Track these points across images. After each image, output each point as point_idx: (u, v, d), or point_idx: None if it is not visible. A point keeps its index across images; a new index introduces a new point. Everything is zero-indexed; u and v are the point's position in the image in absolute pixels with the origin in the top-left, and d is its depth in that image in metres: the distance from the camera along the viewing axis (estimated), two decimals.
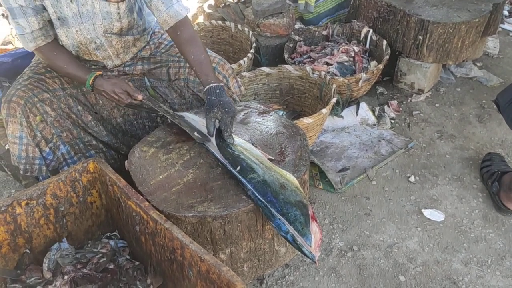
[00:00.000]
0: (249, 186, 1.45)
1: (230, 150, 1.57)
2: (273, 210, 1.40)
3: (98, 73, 1.73)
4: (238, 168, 1.51)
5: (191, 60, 1.72)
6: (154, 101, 1.80)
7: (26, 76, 1.77)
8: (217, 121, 1.62)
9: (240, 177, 1.49)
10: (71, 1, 1.63)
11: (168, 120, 1.80)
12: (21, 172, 1.77)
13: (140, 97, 1.73)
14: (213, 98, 1.63)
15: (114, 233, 1.70)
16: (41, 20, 1.66)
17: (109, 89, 1.71)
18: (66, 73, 1.76)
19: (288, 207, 1.38)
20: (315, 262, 1.37)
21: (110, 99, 1.74)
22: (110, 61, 1.87)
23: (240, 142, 1.62)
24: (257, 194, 1.43)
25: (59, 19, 1.67)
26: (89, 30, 1.72)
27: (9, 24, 3.41)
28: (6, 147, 2.19)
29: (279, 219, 1.39)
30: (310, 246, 1.35)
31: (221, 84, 1.68)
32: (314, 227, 1.37)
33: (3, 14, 3.70)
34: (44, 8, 1.65)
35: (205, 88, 1.67)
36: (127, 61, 1.92)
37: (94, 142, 1.92)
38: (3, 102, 1.70)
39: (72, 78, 1.78)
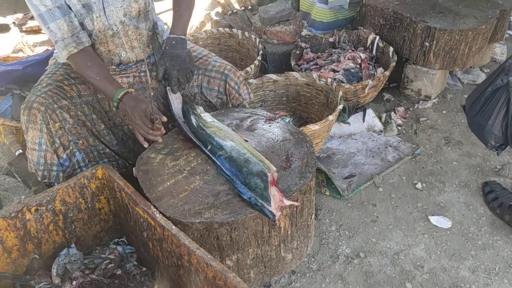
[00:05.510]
0: (218, 163, 1.61)
1: (202, 132, 1.71)
2: (238, 182, 1.52)
3: (130, 90, 1.71)
4: (209, 147, 1.65)
5: (175, 11, 1.89)
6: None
7: (45, 83, 1.79)
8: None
9: (210, 155, 1.64)
10: None
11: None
12: (39, 179, 1.77)
13: (164, 118, 1.69)
14: (167, 48, 1.80)
15: (122, 239, 1.71)
16: (70, 23, 1.69)
17: (132, 107, 1.66)
18: (97, 86, 1.73)
19: (250, 178, 1.50)
20: (275, 221, 1.44)
21: (131, 117, 1.68)
22: (123, 51, 1.87)
23: (217, 124, 1.72)
24: (224, 169, 1.58)
25: (84, 7, 1.71)
26: (109, 15, 1.75)
27: (18, 33, 3.46)
28: (17, 154, 2.22)
29: (243, 187, 1.50)
30: (270, 206, 1.42)
31: (182, 37, 1.82)
32: (273, 191, 1.44)
33: (14, 23, 3.76)
34: (70, 8, 1.69)
35: (165, 37, 1.86)
36: (142, 60, 1.93)
37: (107, 150, 1.94)
38: (23, 108, 1.71)
39: (102, 91, 1.75)
